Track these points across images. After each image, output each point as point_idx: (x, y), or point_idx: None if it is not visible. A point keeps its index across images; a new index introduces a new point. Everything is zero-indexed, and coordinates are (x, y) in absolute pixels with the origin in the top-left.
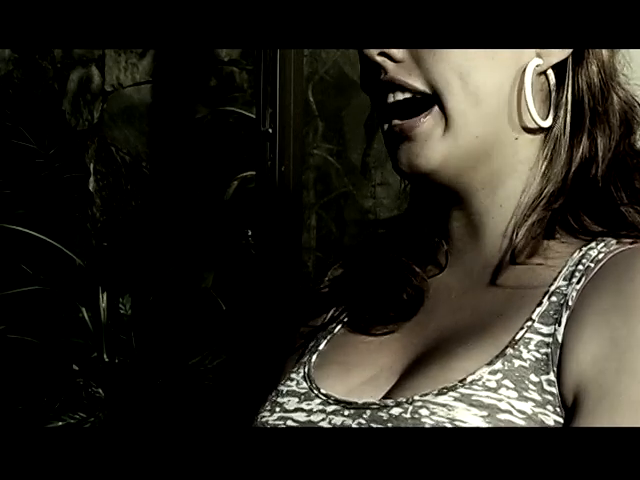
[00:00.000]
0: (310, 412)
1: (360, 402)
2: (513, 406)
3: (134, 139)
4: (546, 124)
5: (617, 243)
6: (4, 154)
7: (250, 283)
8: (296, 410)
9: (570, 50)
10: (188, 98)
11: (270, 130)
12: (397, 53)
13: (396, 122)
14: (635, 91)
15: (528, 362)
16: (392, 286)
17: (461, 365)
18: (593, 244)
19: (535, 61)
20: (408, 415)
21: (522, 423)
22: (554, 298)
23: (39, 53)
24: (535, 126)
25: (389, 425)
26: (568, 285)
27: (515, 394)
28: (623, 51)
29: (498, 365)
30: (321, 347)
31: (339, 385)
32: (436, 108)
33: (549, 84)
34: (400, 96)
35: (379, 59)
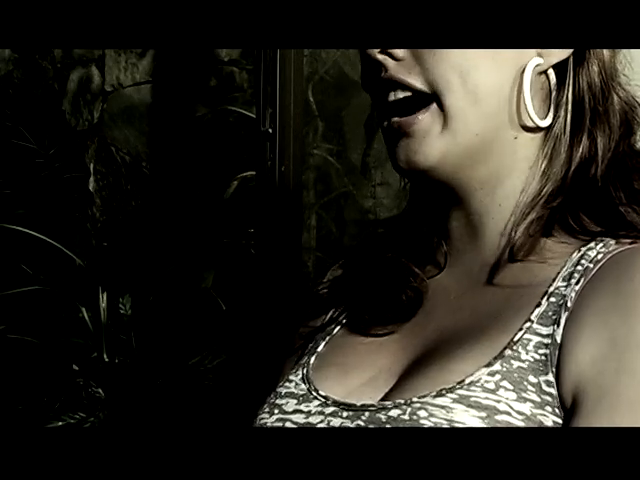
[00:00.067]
0: (308, 414)
1: (358, 404)
2: (512, 407)
3: (134, 139)
4: (544, 123)
5: (616, 243)
6: (4, 154)
7: (250, 283)
8: (294, 412)
9: (571, 50)
10: (188, 98)
11: (270, 130)
12: (398, 51)
13: (395, 119)
14: (636, 92)
15: (527, 363)
16: (391, 287)
17: (460, 367)
18: (592, 244)
19: (535, 60)
20: (406, 417)
21: (521, 424)
22: (553, 299)
23: (39, 53)
24: (534, 125)
25: (387, 427)
26: (567, 286)
27: (514, 395)
28: (624, 52)
29: (496, 366)
30: (320, 349)
31: (338, 387)
32: (434, 105)
33: (549, 84)
34: (400, 94)
35: (380, 57)
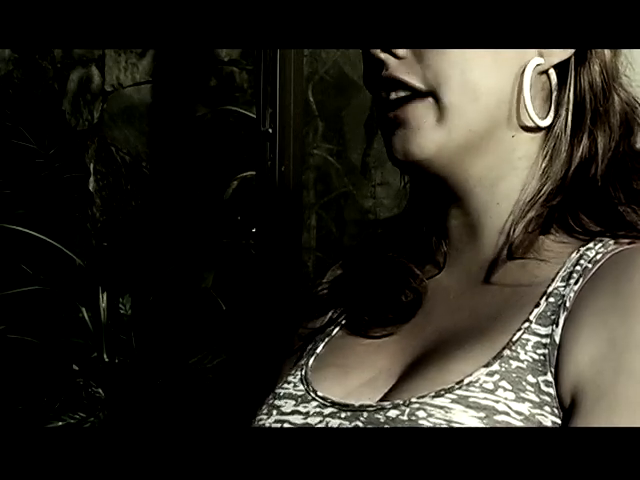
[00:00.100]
0: (307, 415)
1: (357, 404)
2: (510, 407)
3: (134, 139)
4: (544, 123)
5: (615, 243)
6: (4, 154)
7: (250, 283)
8: (293, 413)
9: (572, 50)
10: (188, 98)
11: (270, 130)
12: (400, 50)
13: (391, 113)
14: (637, 94)
15: (525, 363)
16: (391, 288)
17: (459, 367)
18: (591, 244)
19: (536, 60)
20: (405, 417)
21: (519, 424)
22: (552, 299)
23: (39, 53)
24: (534, 125)
25: (386, 427)
26: (566, 286)
27: (512, 395)
28: (625, 53)
29: (495, 367)
30: (319, 350)
31: (336, 388)
32: (430, 98)
33: (550, 83)
34: (402, 93)
35: (382, 56)
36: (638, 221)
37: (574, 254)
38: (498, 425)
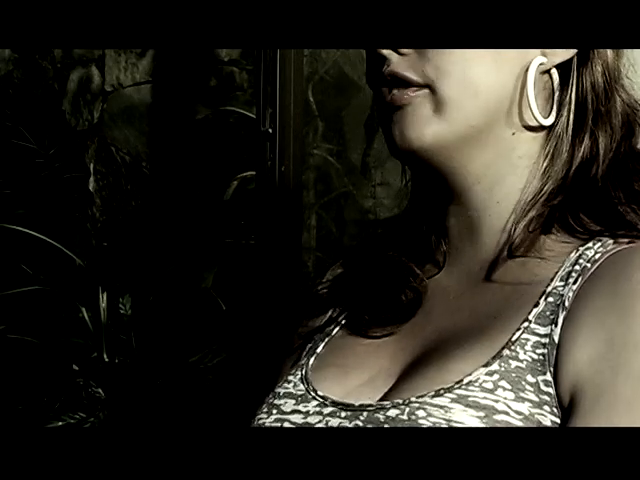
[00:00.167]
0: (307, 414)
1: (357, 404)
2: (510, 407)
3: (134, 139)
4: (547, 122)
5: (614, 243)
6: (4, 154)
7: (250, 283)
8: (293, 412)
9: (575, 50)
10: (188, 98)
11: (270, 130)
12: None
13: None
14: (639, 96)
15: (525, 363)
16: (391, 288)
17: (458, 367)
18: (590, 244)
19: (538, 59)
20: (405, 416)
21: (519, 424)
22: (551, 299)
23: (39, 53)
24: (536, 124)
25: (386, 427)
26: (565, 286)
27: (512, 395)
28: (627, 55)
29: (494, 366)
30: (319, 349)
31: (336, 387)
32: (427, 89)
33: (552, 83)
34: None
35: (385, 52)
36: (638, 221)
37: (573, 254)
38: (497, 425)
